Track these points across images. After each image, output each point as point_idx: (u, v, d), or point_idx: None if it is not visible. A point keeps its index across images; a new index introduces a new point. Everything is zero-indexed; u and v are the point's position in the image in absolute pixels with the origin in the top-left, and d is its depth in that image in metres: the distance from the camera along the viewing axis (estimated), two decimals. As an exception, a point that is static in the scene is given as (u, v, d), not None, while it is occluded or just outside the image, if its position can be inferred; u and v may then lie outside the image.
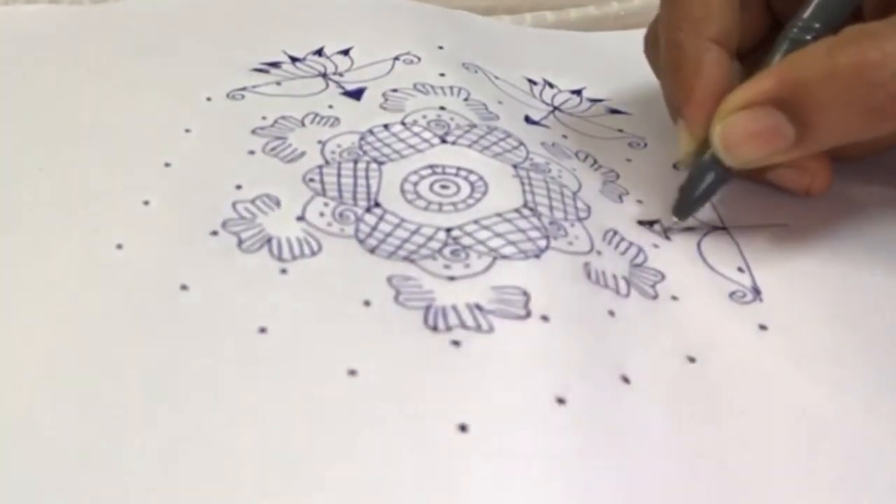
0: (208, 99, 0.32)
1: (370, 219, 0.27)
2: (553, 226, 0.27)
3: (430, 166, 0.29)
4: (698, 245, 0.28)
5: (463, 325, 0.24)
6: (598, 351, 0.24)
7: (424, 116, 0.32)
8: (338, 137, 0.31)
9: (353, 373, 0.22)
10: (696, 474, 0.21)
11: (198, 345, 0.23)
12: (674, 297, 0.26)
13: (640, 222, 0.29)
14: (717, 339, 0.25)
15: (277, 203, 0.27)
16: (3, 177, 0.28)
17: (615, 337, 0.24)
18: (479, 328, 0.24)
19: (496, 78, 0.36)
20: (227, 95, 0.33)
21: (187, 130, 0.31)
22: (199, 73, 0.34)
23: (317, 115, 0.32)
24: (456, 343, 0.23)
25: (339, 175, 0.29)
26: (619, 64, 0.37)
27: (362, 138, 0.30)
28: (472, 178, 0.29)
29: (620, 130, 0.34)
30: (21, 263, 0.25)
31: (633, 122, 0.35)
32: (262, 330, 0.23)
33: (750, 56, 0.31)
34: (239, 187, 0.28)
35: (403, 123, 0.31)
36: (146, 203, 0.27)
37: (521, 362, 0.23)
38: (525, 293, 0.25)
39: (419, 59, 0.36)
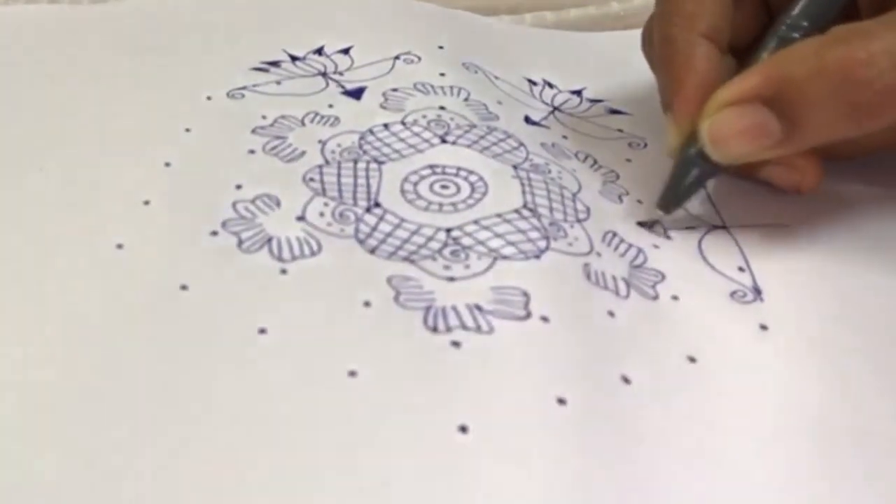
0: (208, 98, 0.32)
1: (370, 219, 0.27)
2: (553, 227, 0.27)
3: (430, 166, 0.29)
4: (699, 244, 0.28)
5: (463, 326, 0.24)
6: (598, 351, 0.24)
7: (424, 116, 0.32)
8: (338, 137, 0.31)
9: (352, 373, 0.22)
10: (696, 474, 0.21)
11: (197, 345, 0.23)
12: (674, 297, 0.26)
13: (640, 224, 0.29)
14: (718, 339, 0.25)
15: (277, 203, 0.27)
16: (3, 177, 0.28)
17: (615, 337, 0.24)
18: (479, 329, 0.24)
19: (496, 78, 0.36)
20: (228, 95, 0.33)
21: (187, 130, 0.30)
22: (199, 73, 0.34)
23: (317, 114, 0.32)
24: (456, 344, 0.23)
25: (339, 175, 0.29)
26: (619, 64, 0.37)
27: (362, 138, 0.30)
28: (472, 178, 0.29)
29: (620, 131, 0.34)
30: (21, 263, 0.25)
31: (633, 122, 0.35)
32: (262, 330, 0.23)
33: (746, 52, 0.31)
34: (239, 187, 0.28)
35: (403, 123, 0.31)
36: (146, 203, 0.27)
37: (522, 363, 0.23)
38: (525, 294, 0.25)
39: (419, 58, 0.36)
